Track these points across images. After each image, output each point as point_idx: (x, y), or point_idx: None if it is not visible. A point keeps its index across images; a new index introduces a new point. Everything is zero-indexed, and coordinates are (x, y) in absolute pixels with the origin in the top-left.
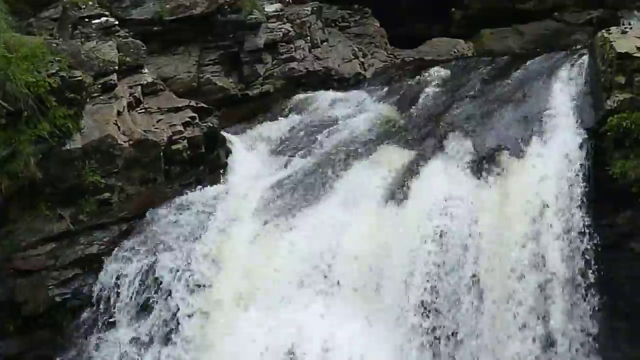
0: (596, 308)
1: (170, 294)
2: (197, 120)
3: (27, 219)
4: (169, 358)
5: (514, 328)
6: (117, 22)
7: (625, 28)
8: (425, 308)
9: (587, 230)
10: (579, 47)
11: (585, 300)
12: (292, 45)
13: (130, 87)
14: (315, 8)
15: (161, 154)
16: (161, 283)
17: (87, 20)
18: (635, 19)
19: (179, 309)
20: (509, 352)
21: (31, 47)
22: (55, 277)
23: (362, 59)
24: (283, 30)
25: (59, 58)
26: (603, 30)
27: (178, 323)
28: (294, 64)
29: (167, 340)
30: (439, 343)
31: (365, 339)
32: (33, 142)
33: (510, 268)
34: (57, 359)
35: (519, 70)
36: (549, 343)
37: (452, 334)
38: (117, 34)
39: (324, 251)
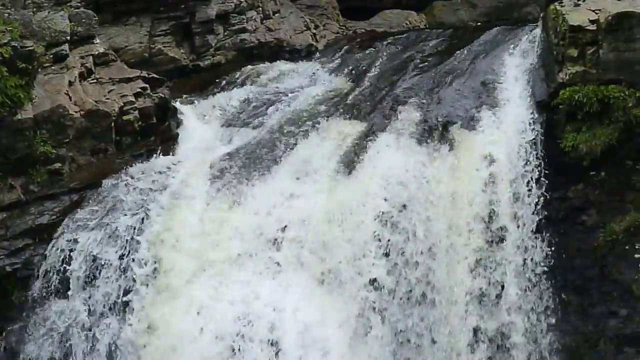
0: (547, 281)
1: (121, 265)
2: (148, 91)
3: None
4: (119, 328)
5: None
6: None
7: (578, 1)
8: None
9: (537, 204)
10: (531, 19)
11: (533, 272)
12: (243, 17)
13: (82, 58)
14: None
15: (112, 124)
16: (111, 254)
17: None
18: None
19: (129, 280)
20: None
21: None
22: (6, 247)
23: (314, 31)
24: (235, 1)
25: (10, 28)
26: (556, 3)
27: (129, 294)
28: (245, 35)
29: (117, 311)
30: (384, 308)
31: (312, 304)
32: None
33: (462, 238)
34: (7, 330)
35: (470, 43)
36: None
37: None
38: (68, 4)
39: (273, 222)
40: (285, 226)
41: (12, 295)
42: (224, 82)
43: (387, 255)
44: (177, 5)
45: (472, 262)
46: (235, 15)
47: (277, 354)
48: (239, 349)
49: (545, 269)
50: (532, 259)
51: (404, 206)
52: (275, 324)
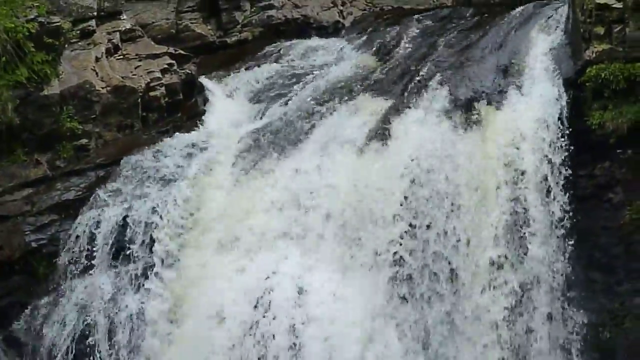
0: (572, 258)
1: (147, 239)
2: (175, 67)
3: (4, 164)
4: (145, 302)
5: (487, 275)
6: None
7: None
8: (399, 263)
9: (564, 181)
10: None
11: (561, 250)
12: None
13: (109, 34)
14: None
15: (139, 100)
16: (138, 228)
17: None
18: None
19: (156, 254)
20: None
21: None
22: (32, 222)
23: (341, 7)
24: None
25: (37, 4)
26: None
27: (155, 269)
28: (272, 12)
29: (143, 285)
30: (411, 276)
31: (339, 281)
32: (11, 88)
33: (488, 216)
34: (32, 305)
35: (498, 20)
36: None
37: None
38: None
39: (301, 194)
40: (312, 197)
41: (39, 271)
42: (251, 58)
43: (412, 227)
44: None
45: (504, 226)
46: None
47: (293, 327)
48: (268, 307)
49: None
50: (553, 238)
51: (427, 181)
52: (301, 294)
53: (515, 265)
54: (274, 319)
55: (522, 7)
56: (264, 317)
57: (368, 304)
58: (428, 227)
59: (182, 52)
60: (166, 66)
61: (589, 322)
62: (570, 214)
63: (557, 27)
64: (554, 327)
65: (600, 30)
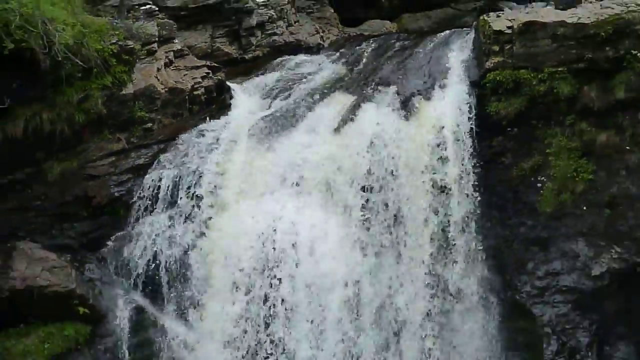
0: (479, 201)
1: (192, 190)
2: (210, 75)
3: (96, 141)
4: (191, 232)
5: (421, 215)
6: (157, 8)
7: (499, 13)
8: (364, 206)
9: (471, 149)
10: (468, 26)
11: (470, 196)
12: (274, 25)
13: (166, 52)
14: (290, 0)
15: (186, 97)
16: (185, 183)
17: (137, 7)
18: (507, 7)
19: (199, 198)
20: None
21: (99, 24)
22: (115, 180)
23: (322, 34)
24: (268, 14)
25: (117, 32)
26: (484, 15)
27: (198, 208)
28: (275, 37)
29: (190, 220)
30: (370, 222)
31: (323, 221)
32: (100, 89)
33: (421, 168)
34: (115, 235)
35: (427, 42)
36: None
37: (386, 204)
38: (157, 16)
39: (300, 157)
40: (302, 165)
41: (120, 213)
42: (261, 69)
43: (369, 182)
44: (229, 17)
45: (430, 182)
46: (269, 24)
47: (294, 245)
48: (276, 242)
49: (474, 217)
50: (465, 189)
51: (380, 151)
52: (295, 225)
53: (439, 208)
54: (280, 238)
55: (443, 33)
56: (273, 236)
57: (339, 231)
58: (381, 188)
59: (215, 64)
60: (204, 74)
61: (489, 245)
62: (476, 171)
63: (467, 46)
64: (468, 245)
65: (496, 48)
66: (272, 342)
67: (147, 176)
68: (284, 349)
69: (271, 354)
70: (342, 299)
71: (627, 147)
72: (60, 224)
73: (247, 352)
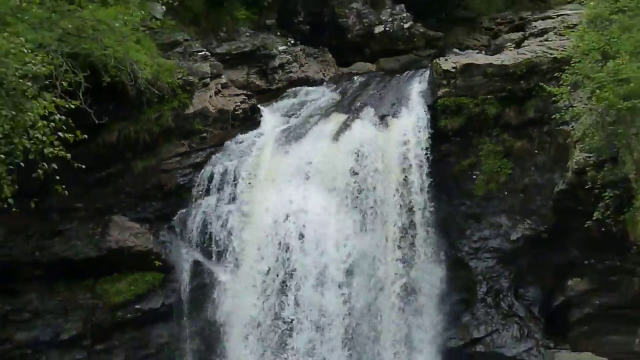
0: (432, 188)
1: (234, 179)
2: (246, 100)
3: (167, 146)
4: (235, 209)
5: (391, 194)
6: (209, 54)
7: (446, 58)
8: (352, 187)
9: (426, 152)
10: (425, 67)
11: (426, 184)
12: (291, 65)
13: (215, 84)
14: (302, 48)
15: (230, 115)
16: (230, 176)
17: (195, 52)
18: (452, 53)
19: (239, 185)
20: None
21: (169, 65)
22: (180, 172)
23: (323, 72)
24: (286, 58)
25: (182, 70)
26: (436, 59)
27: (238, 192)
28: (291, 74)
29: (233, 200)
30: (357, 204)
31: (324, 202)
32: (170, 110)
33: (393, 164)
34: (179, 211)
35: (396, 78)
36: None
37: (368, 188)
38: (209, 59)
39: (309, 156)
40: (310, 162)
41: (183, 195)
42: (282, 96)
43: (357, 174)
44: (260, 60)
45: (399, 173)
46: (287, 65)
47: (303, 216)
48: (291, 217)
49: (429, 199)
50: (423, 178)
51: (364, 152)
52: (304, 203)
53: (404, 192)
54: (294, 212)
55: (407, 72)
56: (289, 211)
57: (334, 207)
58: (365, 178)
59: (249, 93)
60: (242, 100)
61: (439, 218)
62: (430, 168)
63: (424, 80)
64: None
65: (445, 82)
66: (288, 285)
67: (202, 170)
68: (299, 288)
69: (292, 292)
70: (336, 252)
71: (536, 151)
72: (142, 203)
73: (272, 293)
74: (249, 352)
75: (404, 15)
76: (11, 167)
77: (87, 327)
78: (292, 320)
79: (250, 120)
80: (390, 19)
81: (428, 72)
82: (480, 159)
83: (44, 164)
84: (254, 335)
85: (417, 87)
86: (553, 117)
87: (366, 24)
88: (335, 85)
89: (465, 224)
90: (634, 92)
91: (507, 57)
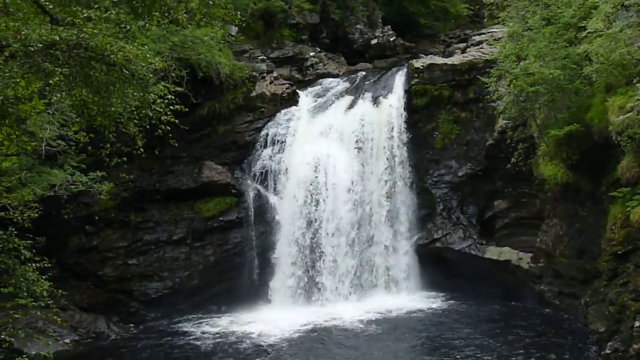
0: (408, 143)
1: (281, 138)
2: (289, 87)
3: (239, 116)
4: (282, 157)
5: (380, 151)
6: (266, 57)
7: (417, 60)
8: (357, 142)
9: (405, 124)
10: (403, 65)
11: (403, 140)
12: (318, 65)
13: (270, 77)
14: (325, 54)
15: (279, 97)
16: (279, 136)
17: (257, 57)
18: (421, 57)
19: (284, 143)
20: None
21: (240, 65)
22: (248, 133)
23: (339, 69)
24: (315, 60)
25: (248, 68)
26: (410, 61)
27: (285, 146)
28: (318, 70)
29: (280, 151)
30: (360, 153)
31: (339, 152)
32: (241, 93)
33: (383, 127)
34: (246, 159)
35: (386, 73)
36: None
37: (366, 143)
38: (266, 61)
39: (330, 123)
40: (330, 127)
41: (250, 148)
42: (313, 84)
43: (360, 134)
44: (298, 61)
45: (387, 133)
46: (315, 64)
47: (326, 162)
48: (318, 161)
49: (406, 150)
50: (402, 137)
51: (365, 119)
52: (327, 154)
53: (390, 144)
54: (320, 159)
55: (393, 68)
56: (317, 158)
57: (346, 157)
58: (365, 137)
59: (291, 83)
60: (287, 87)
61: (412, 163)
62: (406, 130)
63: (403, 74)
64: (402, 162)
65: (416, 75)
66: (318, 206)
67: (261, 132)
68: (323, 210)
69: (319, 209)
70: (347, 177)
71: (474, 119)
72: (223, 153)
73: (307, 205)
74: (291, 242)
75: (390, 32)
76: (141, 128)
77: (189, 231)
78: (321, 221)
79: (291, 100)
80: (382, 35)
81: (405, 69)
82: (439, 124)
83: (162, 126)
84: (295, 234)
85: (398, 79)
86: (485, 97)
87: (366, 38)
88: (346, 78)
89: (429, 166)
90: (537, 82)
91: (456, 59)
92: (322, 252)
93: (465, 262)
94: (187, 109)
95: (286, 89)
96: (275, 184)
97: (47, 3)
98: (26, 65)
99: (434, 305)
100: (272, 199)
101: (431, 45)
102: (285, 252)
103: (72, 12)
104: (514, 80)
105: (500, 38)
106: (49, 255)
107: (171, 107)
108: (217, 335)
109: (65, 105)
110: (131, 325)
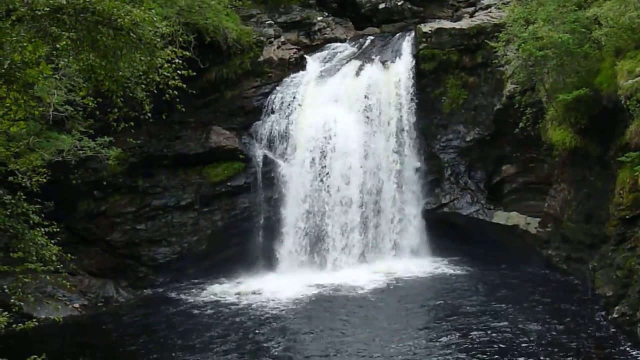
0: (415, 107)
1: (289, 103)
2: (297, 52)
3: (246, 81)
4: (290, 122)
5: (386, 117)
6: (273, 22)
7: (424, 24)
8: (365, 107)
9: (412, 87)
10: (411, 29)
11: (411, 105)
12: (326, 29)
13: (277, 42)
14: (332, 18)
15: (287, 62)
16: (288, 98)
17: (264, 22)
18: (429, 22)
19: (291, 107)
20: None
21: (248, 29)
22: (255, 99)
23: (346, 34)
24: (322, 25)
25: (256, 33)
26: (419, 25)
27: (292, 110)
28: (326, 35)
29: (288, 117)
30: (368, 118)
31: (347, 117)
32: (249, 58)
33: (391, 91)
34: (255, 123)
35: (393, 37)
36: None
37: (374, 106)
38: (273, 26)
39: (338, 87)
40: (337, 90)
41: (257, 113)
42: (321, 48)
43: (368, 98)
44: (306, 25)
45: (395, 98)
46: (323, 29)
47: (334, 125)
48: (326, 126)
49: (414, 115)
50: (410, 102)
51: (373, 84)
52: (335, 117)
53: (398, 107)
54: (328, 122)
55: (401, 33)
56: (325, 121)
57: (354, 119)
58: (373, 100)
59: (298, 48)
60: (295, 52)
61: (420, 127)
62: (414, 95)
63: (411, 39)
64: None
65: (424, 39)
66: (326, 171)
67: (269, 97)
68: (331, 175)
69: (327, 174)
70: (356, 144)
71: (482, 84)
72: (231, 118)
73: (316, 165)
74: (299, 207)
75: None
76: (148, 93)
77: (197, 196)
78: (328, 186)
79: (299, 65)
80: None
81: (413, 33)
82: (447, 89)
83: (169, 91)
84: (303, 199)
85: (406, 43)
86: (494, 61)
87: (373, 2)
88: (354, 42)
89: (437, 131)
90: (545, 46)
91: (464, 23)
92: (330, 218)
93: (473, 227)
94: (194, 74)
95: (294, 53)
96: (283, 149)
97: None
98: (33, 30)
99: (442, 270)
100: (280, 164)
101: (439, 10)
102: (293, 217)
103: None
104: (523, 45)
105: (508, 2)
106: (58, 220)
107: (179, 71)
108: (225, 301)
109: (72, 70)
110: (140, 290)
